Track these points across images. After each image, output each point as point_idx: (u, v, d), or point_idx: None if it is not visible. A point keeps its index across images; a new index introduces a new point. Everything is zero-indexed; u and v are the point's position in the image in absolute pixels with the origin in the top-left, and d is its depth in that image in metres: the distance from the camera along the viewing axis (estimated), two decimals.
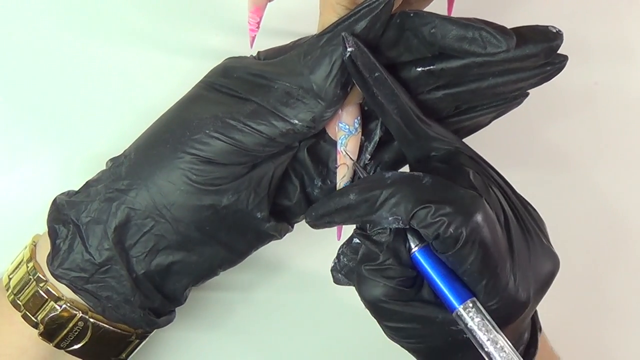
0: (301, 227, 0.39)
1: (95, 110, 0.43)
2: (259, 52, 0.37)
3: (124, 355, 0.38)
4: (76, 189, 0.38)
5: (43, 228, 0.38)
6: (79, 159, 0.43)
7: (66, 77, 0.43)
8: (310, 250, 0.45)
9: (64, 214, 0.36)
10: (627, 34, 0.51)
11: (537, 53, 0.35)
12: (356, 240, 0.35)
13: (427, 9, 0.39)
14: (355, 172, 0.37)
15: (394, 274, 0.33)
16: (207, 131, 0.34)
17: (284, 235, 0.39)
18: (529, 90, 0.38)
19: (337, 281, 0.36)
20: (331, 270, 0.36)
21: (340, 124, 0.36)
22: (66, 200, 0.37)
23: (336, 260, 0.36)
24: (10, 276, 0.37)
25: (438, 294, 0.33)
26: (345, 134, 0.36)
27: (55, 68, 0.43)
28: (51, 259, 0.36)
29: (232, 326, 0.45)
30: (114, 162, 0.37)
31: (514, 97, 0.38)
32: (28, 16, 0.43)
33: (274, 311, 0.46)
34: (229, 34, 0.44)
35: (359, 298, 0.35)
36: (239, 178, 0.35)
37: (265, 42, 0.38)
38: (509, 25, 0.35)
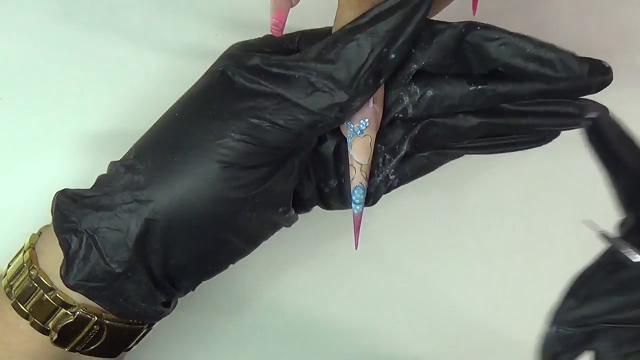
0: (309, 220, 0.40)
1: (94, 106, 0.43)
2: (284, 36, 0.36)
3: (132, 343, 0.38)
4: (67, 183, 0.37)
5: (36, 225, 0.37)
6: (74, 156, 0.43)
7: (66, 74, 0.43)
8: (312, 251, 0.46)
9: (72, 221, 0.34)
10: (627, 33, 0.52)
11: (591, 85, 0.34)
12: None
13: (446, 8, 0.39)
14: (368, 177, 0.36)
15: None
16: (232, 134, 0.33)
17: (292, 223, 0.39)
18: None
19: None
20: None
21: (347, 123, 0.35)
22: (72, 206, 0.35)
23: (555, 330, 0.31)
24: (12, 283, 0.36)
25: None
26: (350, 134, 0.35)
27: (54, 65, 0.42)
28: (65, 270, 0.34)
29: (232, 308, 0.46)
30: (128, 168, 0.34)
31: (545, 137, 0.37)
32: (27, 15, 0.42)
33: (272, 307, 0.47)
34: (230, 32, 0.43)
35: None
36: (268, 179, 0.34)
37: None
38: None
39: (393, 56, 0.32)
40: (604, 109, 0.34)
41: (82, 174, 0.37)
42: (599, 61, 0.34)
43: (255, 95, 0.33)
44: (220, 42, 0.41)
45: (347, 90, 0.32)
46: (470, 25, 0.33)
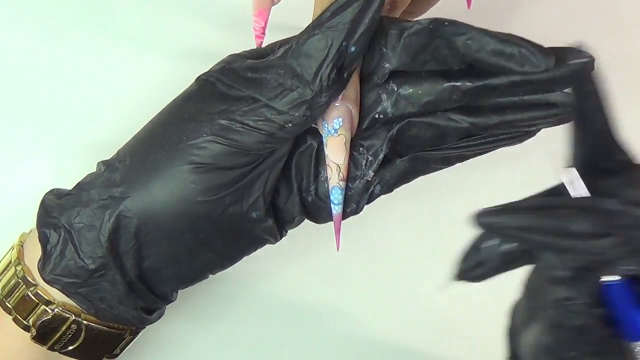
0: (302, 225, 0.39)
1: (87, 107, 0.43)
2: (267, 46, 0.36)
3: (117, 350, 0.38)
4: (63, 185, 0.37)
5: (29, 225, 0.37)
6: (67, 155, 0.43)
7: (59, 74, 0.43)
8: (310, 246, 0.45)
9: (54, 217, 0.35)
10: (626, 33, 0.51)
11: (571, 74, 0.33)
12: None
13: (439, 4, 0.39)
14: (346, 177, 0.35)
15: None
16: (204, 135, 0.33)
17: (279, 240, 0.38)
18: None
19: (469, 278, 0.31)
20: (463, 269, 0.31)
21: (322, 121, 0.35)
22: (56, 202, 0.36)
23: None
24: None
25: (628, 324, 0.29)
26: (325, 133, 0.35)
27: (48, 65, 0.42)
28: (42, 264, 0.35)
29: (220, 316, 0.46)
30: (108, 167, 0.35)
31: (525, 133, 0.36)
32: (25, 16, 0.42)
33: (270, 304, 0.46)
34: (229, 32, 0.43)
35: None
36: (239, 182, 0.34)
37: (269, 38, 0.37)
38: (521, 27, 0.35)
39: (353, 49, 0.32)
40: (590, 58, 0.33)
41: (80, 175, 0.37)
42: (579, 51, 0.33)
43: (230, 99, 0.34)
44: (220, 41, 0.43)
45: (311, 86, 0.32)
46: (437, 22, 0.33)
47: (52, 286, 0.35)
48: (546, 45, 0.34)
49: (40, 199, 0.37)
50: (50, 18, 0.43)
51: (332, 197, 0.35)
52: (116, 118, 0.43)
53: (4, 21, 0.42)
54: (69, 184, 0.37)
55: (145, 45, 0.44)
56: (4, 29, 0.42)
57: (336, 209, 0.36)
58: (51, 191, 0.37)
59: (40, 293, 0.35)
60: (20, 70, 0.43)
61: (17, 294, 0.35)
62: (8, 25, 0.42)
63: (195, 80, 0.36)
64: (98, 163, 0.36)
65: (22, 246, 0.37)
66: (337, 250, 0.36)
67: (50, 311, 0.35)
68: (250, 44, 0.37)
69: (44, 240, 0.35)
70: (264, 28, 0.35)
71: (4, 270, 0.37)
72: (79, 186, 0.36)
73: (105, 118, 0.43)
